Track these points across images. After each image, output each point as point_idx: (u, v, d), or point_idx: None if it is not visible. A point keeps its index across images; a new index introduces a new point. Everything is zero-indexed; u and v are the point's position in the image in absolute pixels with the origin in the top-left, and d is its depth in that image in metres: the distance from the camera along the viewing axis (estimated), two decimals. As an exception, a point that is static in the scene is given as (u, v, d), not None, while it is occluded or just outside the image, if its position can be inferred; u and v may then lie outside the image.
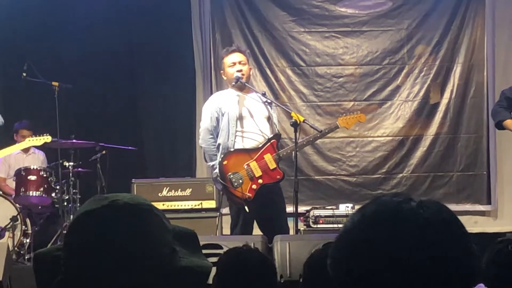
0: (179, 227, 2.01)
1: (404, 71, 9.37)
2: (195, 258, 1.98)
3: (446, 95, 9.28)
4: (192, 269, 1.89)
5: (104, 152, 8.78)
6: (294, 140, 6.27)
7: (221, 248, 5.15)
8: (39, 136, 8.44)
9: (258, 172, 6.38)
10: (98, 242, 1.74)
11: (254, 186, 6.35)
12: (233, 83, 6.54)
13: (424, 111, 9.30)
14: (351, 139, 9.37)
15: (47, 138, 8.45)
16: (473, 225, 9.17)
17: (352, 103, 9.37)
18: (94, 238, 1.75)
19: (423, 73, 9.34)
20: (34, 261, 1.99)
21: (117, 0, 9.51)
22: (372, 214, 1.46)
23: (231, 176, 6.35)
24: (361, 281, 1.41)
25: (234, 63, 6.55)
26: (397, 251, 1.39)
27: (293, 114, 6.29)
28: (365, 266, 1.41)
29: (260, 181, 6.37)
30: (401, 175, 9.29)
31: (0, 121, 8.38)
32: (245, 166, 6.38)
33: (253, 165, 6.39)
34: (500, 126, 7.42)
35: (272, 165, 6.42)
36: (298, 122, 6.15)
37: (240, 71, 6.51)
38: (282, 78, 9.46)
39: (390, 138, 9.34)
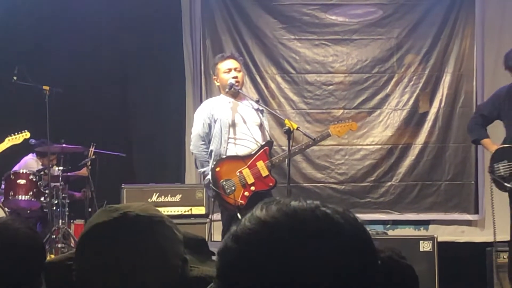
0: (189, 234, 2.02)
1: (394, 79, 9.38)
2: (206, 266, 1.99)
3: (435, 104, 9.30)
4: (203, 279, 1.90)
5: (93, 156, 8.79)
6: (283, 147, 6.28)
7: (213, 254, 5.14)
8: (18, 134, 8.45)
9: (250, 179, 6.39)
10: (109, 255, 1.74)
11: (246, 193, 6.35)
12: (227, 90, 6.55)
13: (413, 120, 9.31)
14: (340, 147, 9.37)
15: (26, 134, 8.46)
16: (460, 234, 9.22)
17: (341, 111, 9.37)
18: (106, 250, 1.75)
19: (412, 82, 9.35)
20: (45, 270, 1.99)
21: (108, 6, 9.48)
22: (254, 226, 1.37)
23: (224, 183, 6.35)
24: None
25: (230, 69, 6.56)
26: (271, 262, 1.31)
27: (286, 121, 6.28)
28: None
29: (252, 188, 6.38)
30: (389, 183, 9.30)
31: None
32: (238, 173, 6.39)
33: (246, 172, 6.39)
34: (477, 144, 7.47)
35: (265, 172, 6.43)
36: (292, 129, 6.15)
37: (235, 77, 6.52)
38: (272, 85, 9.46)
39: (379, 146, 9.35)
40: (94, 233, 1.79)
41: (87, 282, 1.76)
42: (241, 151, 6.47)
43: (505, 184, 6.93)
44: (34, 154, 9.09)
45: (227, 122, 6.46)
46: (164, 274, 1.77)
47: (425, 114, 9.32)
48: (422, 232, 9.18)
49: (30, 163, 9.01)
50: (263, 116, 6.69)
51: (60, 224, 8.37)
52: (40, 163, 9.04)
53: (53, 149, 8.57)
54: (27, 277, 2.28)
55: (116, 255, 1.73)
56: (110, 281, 1.73)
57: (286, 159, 6.35)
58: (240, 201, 6.30)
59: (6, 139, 8.44)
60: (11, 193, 8.39)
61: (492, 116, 7.29)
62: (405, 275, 2.70)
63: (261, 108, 6.69)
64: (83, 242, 1.79)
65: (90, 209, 8.55)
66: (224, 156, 6.42)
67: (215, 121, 6.50)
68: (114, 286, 1.73)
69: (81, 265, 1.78)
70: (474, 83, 9.24)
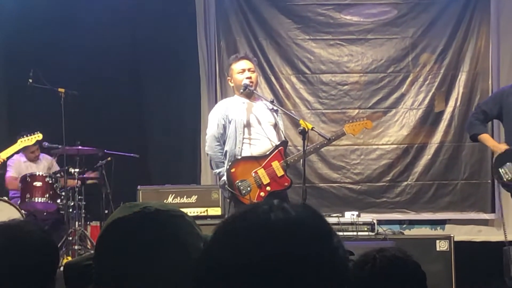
0: (209, 235, 2.02)
1: (409, 79, 9.36)
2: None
3: (451, 103, 9.27)
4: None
5: (109, 158, 8.81)
6: (298, 147, 6.25)
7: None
8: (31, 135, 8.46)
9: (266, 180, 6.37)
10: (129, 249, 1.74)
11: (262, 194, 6.35)
12: (241, 91, 6.54)
13: (429, 119, 9.29)
14: (356, 146, 9.36)
15: (39, 136, 8.47)
16: (477, 234, 9.18)
17: (357, 110, 9.36)
18: (126, 245, 1.75)
19: (427, 81, 9.33)
20: (65, 271, 1.99)
21: (123, 7, 9.50)
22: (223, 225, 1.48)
23: (239, 183, 6.34)
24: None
25: (244, 70, 6.54)
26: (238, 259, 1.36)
27: (301, 121, 6.25)
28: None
29: (268, 188, 6.37)
30: (405, 183, 9.27)
31: None
32: (253, 174, 6.38)
33: (261, 172, 6.38)
34: (475, 139, 7.45)
35: (280, 172, 6.41)
36: (307, 129, 6.13)
37: (249, 78, 6.50)
38: (287, 85, 9.46)
39: (395, 146, 9.33)
40: (115, 228, 1.79)
41: (107, 277, 1.76)
42: (256, 151, 6.45)
43: None
44: (20, 153, 9.04)
45: (241, 123, 6.45)
46: (184, 267, 1.77)
47: (441, 113, 9.29)
48: (438, 231, 9.15)
49: (16, 163, 9.01)
50: (277, 116, 6.67)
51: (77, 226, 8.39)
52: (26, 159, 9.07)
53: (69, 151, 8.61)
54: (39, 280, 2.28)
55: (137, 249, 1.73)
56: (130, 275, 1.72)
57: (302, 159, 6.33)
58: (256, 201, 6.28)
59: (19, 141, 8.44)
60: (28, 195, 8.41)
61: (492, 113, 7.33)
62: (410, 271, 2.75)
63: (275, 108, 6.68)
64: (104, 236, 1.79)
65: (106, 211, 8.58)
66: (239, 157, 6.41)
67: (229, 122, 6.48)
68: (135, 281, 1.72)
69: (101, 259, 1.78)
70: (490, 82, 9.21)
